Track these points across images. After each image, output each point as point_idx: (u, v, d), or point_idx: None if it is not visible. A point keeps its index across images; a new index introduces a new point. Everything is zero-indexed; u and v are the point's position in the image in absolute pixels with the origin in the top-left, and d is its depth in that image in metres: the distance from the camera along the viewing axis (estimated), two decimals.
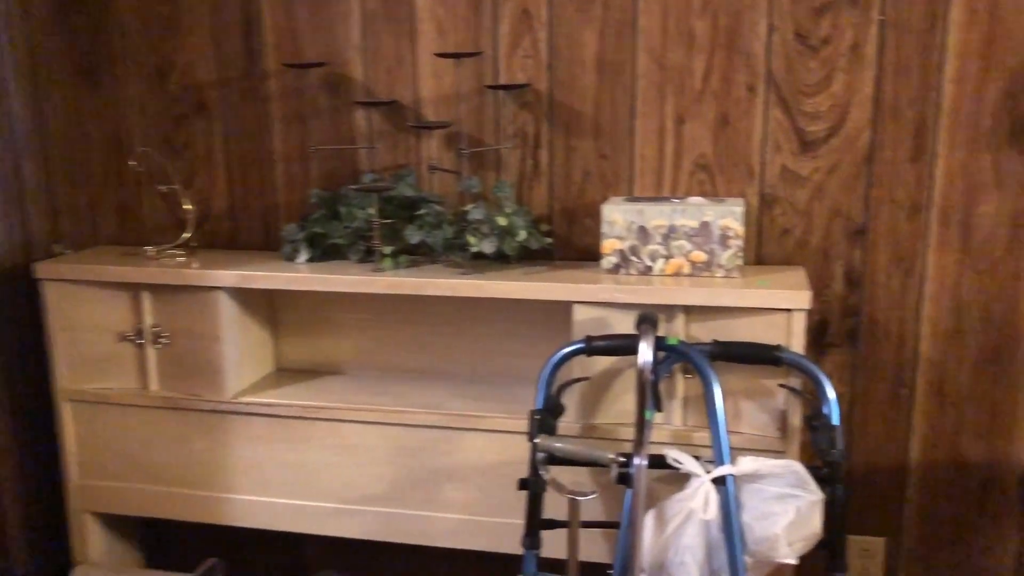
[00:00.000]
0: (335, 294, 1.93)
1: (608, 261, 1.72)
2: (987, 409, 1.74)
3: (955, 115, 1.65)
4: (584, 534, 1.63)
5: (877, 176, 1.70)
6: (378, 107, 1.87)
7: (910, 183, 1.69)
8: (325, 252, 1.88)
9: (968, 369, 1.73)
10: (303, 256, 1.86)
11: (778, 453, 1.60)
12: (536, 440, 1.51)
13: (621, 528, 1.57)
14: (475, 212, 1.75)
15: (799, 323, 1.58)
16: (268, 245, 2.00)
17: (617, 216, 1.70)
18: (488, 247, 1.73)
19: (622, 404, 1.67)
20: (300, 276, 1.77)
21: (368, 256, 1.83)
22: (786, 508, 1.46)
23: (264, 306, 1.98)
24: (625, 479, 1.48)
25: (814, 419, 1.55)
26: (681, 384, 1.65)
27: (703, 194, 1.78)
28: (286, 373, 2.03)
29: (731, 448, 1.52)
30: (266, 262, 1.86)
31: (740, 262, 1.67)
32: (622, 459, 1.46)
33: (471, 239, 1.72)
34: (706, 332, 1.62)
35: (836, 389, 1.80)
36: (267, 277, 1.78)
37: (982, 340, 1.72)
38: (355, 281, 1.75)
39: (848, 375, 1.79)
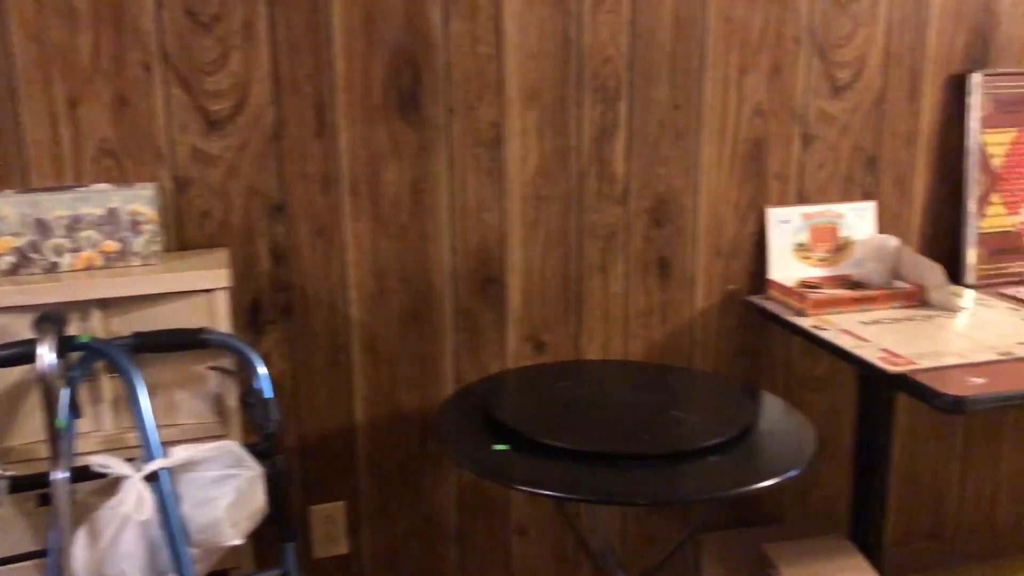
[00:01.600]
0: None
1: (4, 262, 1.53)
2: (416, 361, 1.90)
3: (349, 90, 1.75)
4: (9, 572, 1.43)
5: (287, 152, 1.75)
6: None
7: (318, 157, 1.76)
8: None
9: (395, 327, 1.87)
10: None
11: (220, 438, 1.57)
12: None
13: (49, 554, 1.41)
14: None
15: (222, 303, 1.55)
16: None
17: (8, 210, 1.51)
18: None
19: (40, 419, 1.50)
20: None
21: None
22: (226, 489, 1.44)
23: None
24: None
25: (248, 396, 1.54)
26: (108, 385, 1.53)
27: (111, 181, 1.67)
28: None
29: (166, 442, 1.45)
30: None
31: (158, 248, 1.59)
32: (9, 474, 1.30)
33: None
34: (129, 325, 1.52)
35: (279, 364, 1.83)
36: None
37: (403, 299, 1.87)
38: None
39: (288, 349, 1.83)
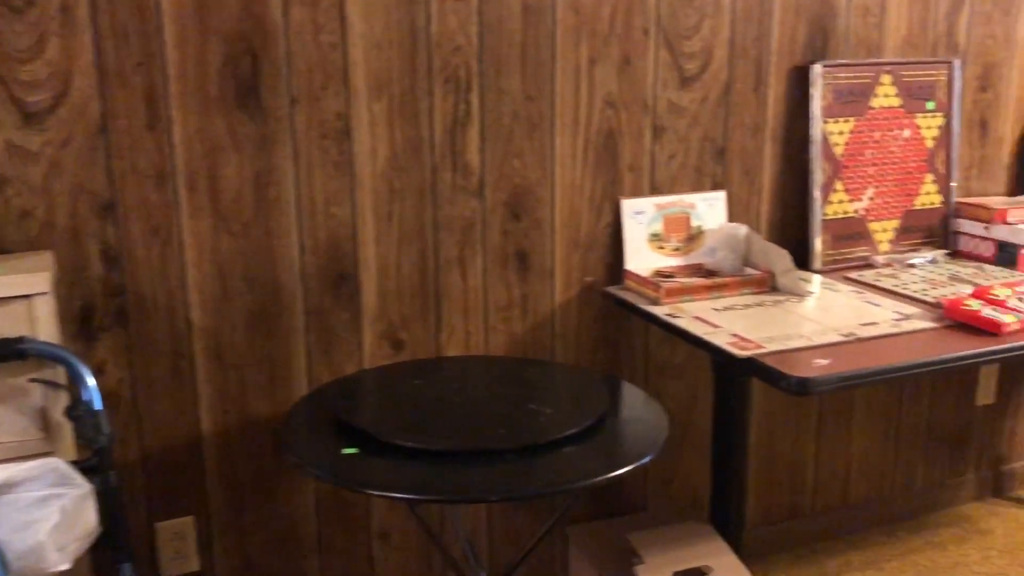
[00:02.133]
0: None
1: None
2: (266, 366, 1.82)
3: (183, 80, 1.65)
4: None
5: (115, 146, 1.64)
6: None
7: (151, 151, 1.66)
8: None
9: (241, 330, 1.78)
10: None
11: (46, 455, 1.45)
12: None
13: None
14: None
15: (44, 309, 1.43)
16: None
17: None
18: None
19: None
20: None
21: None
22: (49, 511, 1.32)
23: None
24: None
25: (75, 409, 1.43)
26: None
27: None
28: None
29: None
30: None
31: None
32: None
33: None
34: None
35: (115, 373, 1.71)
36: None
37: (249, 301, 1.78)
38: None
39: (126, 357, 1.71)
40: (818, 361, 1.58)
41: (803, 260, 2.19)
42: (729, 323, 1.80)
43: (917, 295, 1.96)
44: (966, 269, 2.17)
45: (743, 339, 1.70)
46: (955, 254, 2.33)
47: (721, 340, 1.70)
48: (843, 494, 2.48)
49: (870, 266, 2.23)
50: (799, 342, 1.68)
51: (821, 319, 1.81)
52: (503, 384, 1.71)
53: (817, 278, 2.13)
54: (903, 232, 2.30)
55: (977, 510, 2.64)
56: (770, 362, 1.59)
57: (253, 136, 1.72)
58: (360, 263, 1.84)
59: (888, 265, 2.21)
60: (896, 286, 2.03)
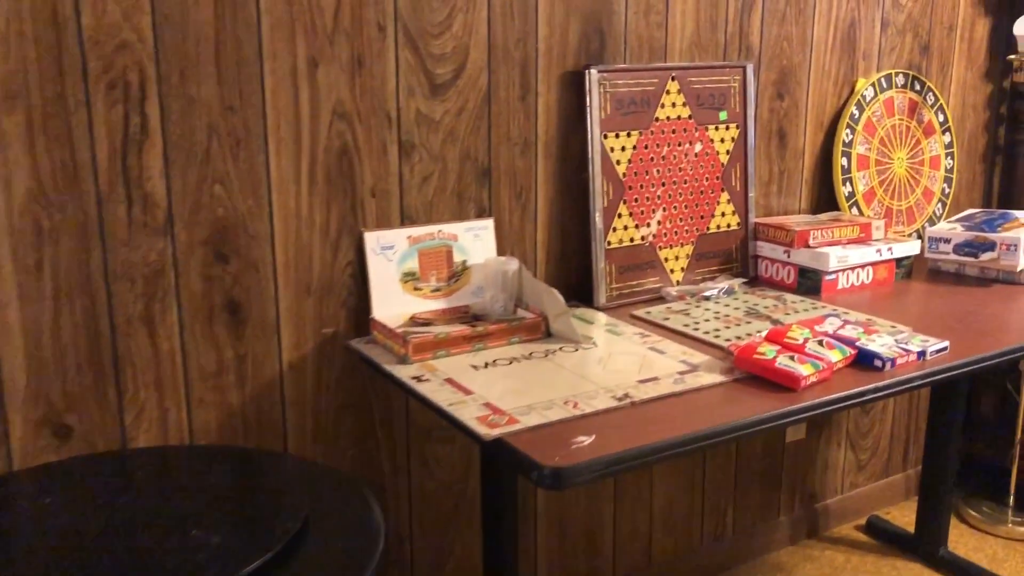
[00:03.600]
0: None
1: None
2: None
3: None
4: None
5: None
6: None
7: None
8: None
9: None
10: None
11: None
12: None
13: None
14: None
15: None
16: None
17: None
18: None
19: None
20: None
21: None
22: None
23: None
24: None
25: None
26: None
27: None
28: None
29: None
30: None
31: None
32: None
33: None
34: None
35: None
36: None
37: None
38: None
39: None
40: (579, 440, 1.26)
41: (587, 295, 1.90)
42: (486, 386, 1.46)
43: (708, 338, 1.69)
44: (765, 301, 1.93)
45: (496, 410, 1.37)
46: (756, 281, 2.10)
47: (469, 413, 1.36)
48: (647, 554, 2.21)
49: (662, 299, 1.95)
50: (562, 412, 1.36)
51: (596, 375, 1.50)
52: (172, 496, 1.29)
53: (601, 317, 1.83)
54: (698, 259, 2.04)
55: (792, 556, 2.43)
56: (522, 444, 1.25)
57: None
58: None
59: (681, 298, 1.95)
60: (686, 326, 1.76)
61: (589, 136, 1.85)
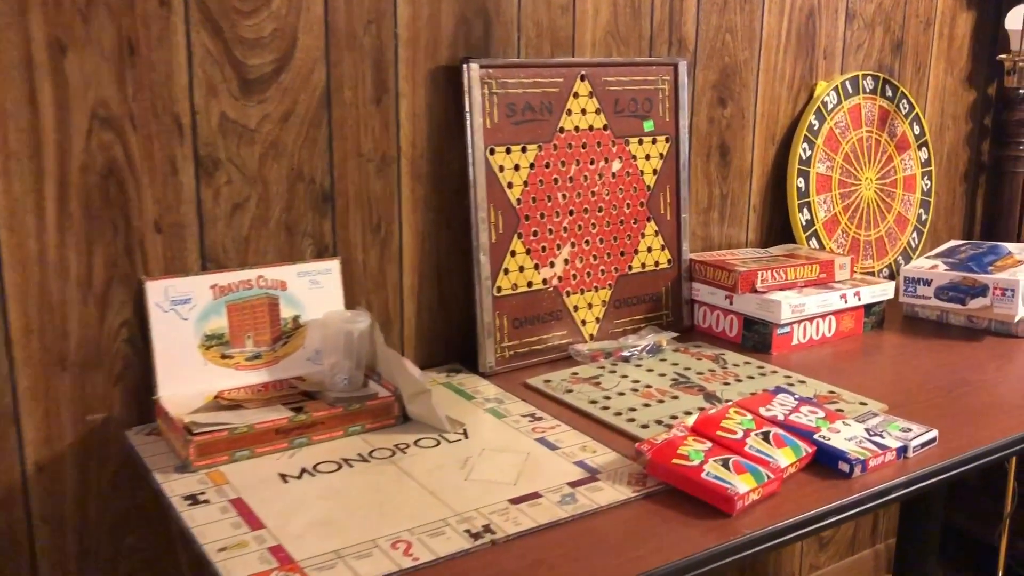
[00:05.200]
0: None
1: None
2: None
3: None
4: None
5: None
6: None
7: None
8: None
9: None
10: None
11: None
12: None
13: None
14: None
15: None
16: None
17: None
18: None
19: None
20: None
21: None
22: None
23: None
24: None
25: None
26: None
27: None
28: None
29: None
30: None
31: None
32: None
33: None
34: None
35: None
36: None
37: None
38: None
39: None
40: None
41: (470, 357, 1.46)
42: (287, 513, 1.01)
43: (618, 421, 1.26)
44: (699, 364, 1.51)
45: (286, 560, 0.93)
46: (692, 333, 1.68)
47: (242, 570, 0.92)
48: None
49: (569, 359, 1.53)
50: (383, 564, 0.91)
51: (453, 490, 1.06)
52: None
53: (486, 389, 1.39)
54: (617, 306, 1.61)
55: None
56: None
57: None
58: None
59: (594, 358, 1.52)
60: (593, 402, 1.33)
61: (469, 151, 1.41)
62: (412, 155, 1.39)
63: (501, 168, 1.44)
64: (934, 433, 1.20)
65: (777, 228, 1.85)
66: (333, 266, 1.35)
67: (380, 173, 1.37)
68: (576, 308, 1.55)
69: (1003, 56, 1.91)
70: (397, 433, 1.22)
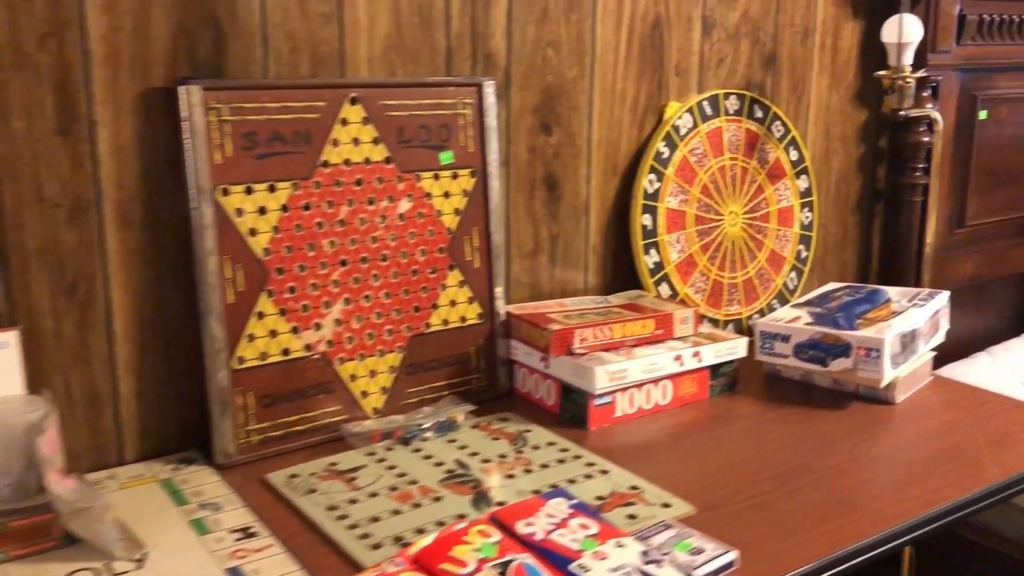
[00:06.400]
0: None
1: None
2: None
3: None
4: None
5: None
6: None
7: None
8: None
9: None
10: None
11: None
12: None
13: None
14: None
15: None
16: None
17: None
18: None
19: None
20: None
21: None
22: None
23: None
24: None
25: None
26: None
27: None
28: None
29: None
30: None
31: None
32: None
33: None
34: None
35: None
36: None
37: None
38: None
39: None
40: None
41: (206, 443, 1.20)
42: None
43: (348, 539, 0.99)
44: (494, 444, 1.24)
45: None
46: (512, 397, 1.42)
47: None
48: None
49: (341, 441, 1.27)
50: None
51: None
52: None
53: (209, 488, 1.11)
54: (412, 373, 1.35)
55: None
56: None
57: None
58: None
59: (373, 439, 1.26)
60: (332, 508, 1.06)
61: (192, 192, 1.15)
62: (120, 198, 1.13)
63: (239, 212, 1.18)
64: (732, 556, 0.94)
65: (623, 271, 1.59)
66: (9, 338, 1.09)
67: (73, 221, 1.10)
68: (354, 377, 1.29)
69: (881, 73, 1.67)
70: (51, 562, 0.95)
